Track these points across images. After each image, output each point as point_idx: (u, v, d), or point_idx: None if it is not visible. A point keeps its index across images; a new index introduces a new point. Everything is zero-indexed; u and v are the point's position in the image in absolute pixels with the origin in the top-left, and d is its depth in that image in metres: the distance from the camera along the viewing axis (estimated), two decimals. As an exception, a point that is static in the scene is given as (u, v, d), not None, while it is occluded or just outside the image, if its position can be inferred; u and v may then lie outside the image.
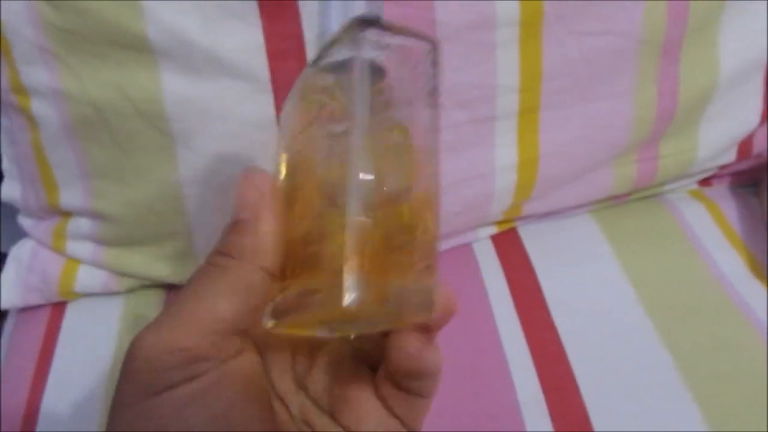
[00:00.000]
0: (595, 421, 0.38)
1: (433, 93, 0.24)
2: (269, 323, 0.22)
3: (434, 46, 0.24)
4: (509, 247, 0.49)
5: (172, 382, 0.21)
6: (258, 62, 0.38)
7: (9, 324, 0.48)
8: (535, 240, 0.49)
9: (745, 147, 0.50)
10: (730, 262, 0.47)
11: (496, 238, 0.50)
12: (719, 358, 0.41)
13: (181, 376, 0.21)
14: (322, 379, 0.26)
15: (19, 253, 0.48)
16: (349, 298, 0.19)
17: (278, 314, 0.22)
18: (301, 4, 0.37)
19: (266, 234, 0.22)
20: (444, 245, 0.48)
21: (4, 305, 0.47)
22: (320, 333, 0.24)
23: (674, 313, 0.44)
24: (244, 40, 0.38)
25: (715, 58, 0.44)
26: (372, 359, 0.26)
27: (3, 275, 0.47)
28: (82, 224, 0.45)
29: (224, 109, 0.39)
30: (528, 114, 0.43)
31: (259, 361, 0.24)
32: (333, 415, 0.25)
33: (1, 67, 0.40)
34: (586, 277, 0.46)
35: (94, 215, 0.44)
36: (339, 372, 0.26)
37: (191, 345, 0.21)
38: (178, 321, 0.21)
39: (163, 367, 0.21)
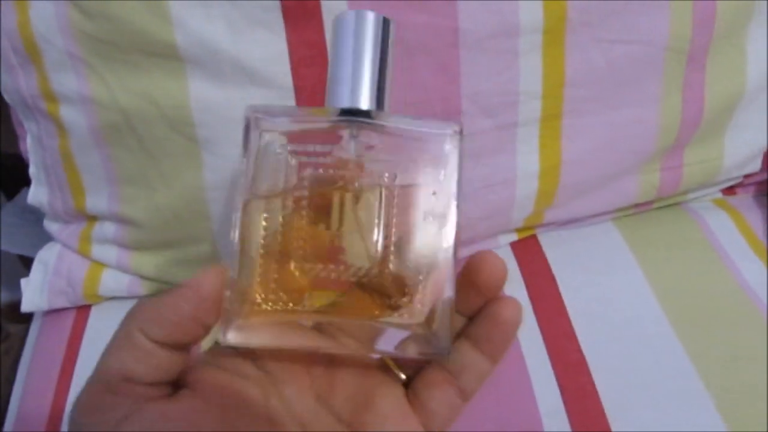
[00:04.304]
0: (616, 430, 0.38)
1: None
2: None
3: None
4: (530, 254, 0.49)
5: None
6: (282, 70, 0.39)
7: (35, 327, 0.49)
8: (556, 248, 0.49)
9: (770, 156, 0.49)
10: (755, 271, 0.46)
11: (516, 246, 0.49)
12: (743, 369, 0.40)
13: (104, 429, 0.22)
14: (346, 390, 0.26)
15: (46, 256, 0.49)
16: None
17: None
18: (325, 12, 0.38)
19: (165, 313, 0.23)
20: (464, 252, 0.48)
21: (31, 308, 0.48)
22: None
23: (698, 323, 0.43)
24: (269, 48, 0.38)
25: (742, 65, 0.44)
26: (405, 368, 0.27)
27: (29, 278, 0.48)
28: (108, 229, 0.46)
29: (248, 116, 0.39)
30: (551, 121, 0.42)
31: (221, 394, 0.25)
32: (353, 427, 0.26)
33: (31, 74, 0.41)
34: (608, 286, 0.46)
35: (120, 220, 0.45)
36: (365, 381, 0.26)
37: (94, 402, 0.23)
38: (85, 385, 0.24)
39: (87, 426, 0.23)
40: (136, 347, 0.23)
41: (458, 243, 0.25)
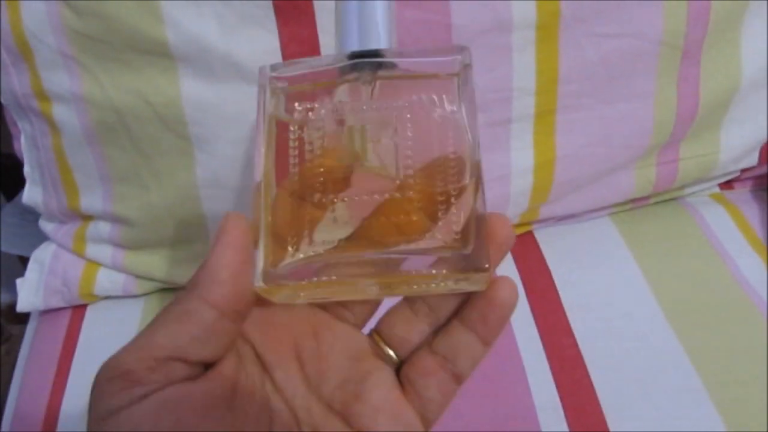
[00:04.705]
0: (613, 426, 0.38)
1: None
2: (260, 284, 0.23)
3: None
4: (526, 250, 0.48)
5: (113, 407, 0.21)
6: None
7: (31, 326, 0.49)
8: (552, 243, 0.49)
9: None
10: (752, 266, 0.46)
11: (512, 242, 0.49)
12: (740, 364, 0.40)
13: (120, 402, 0.21)
14: (336, 377, 0.26)
15: (41, 256, 0.49)
16: None
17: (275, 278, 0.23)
18: (317, 8, 0.38)
19: (215, 268, 0.22)
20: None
21: (27, 307, 0.48)
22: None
23: (695, 318, 0.43)
24: (261, 44, 0.38)
25: (738, 60, 0.44)
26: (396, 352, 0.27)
27: (25, 278, 0.48)
28: (102, 228, 0.46)
29: (241, 113, 0.39)
30: (545, 117, 0.42)
31: (233, 379, 0.24)
32: (346, 417, 0.25)
33: (24, 73, 0.41)
34: (604, 281, 0.46)
35: (114, 219, 0.45)
36: (356, 368, 0.26)
37: (129, 370, 0.22)
38: (127, 348, 0.22)
39: (107, 393, 0.22)
40: (194, 322, 0.22)
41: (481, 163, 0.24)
